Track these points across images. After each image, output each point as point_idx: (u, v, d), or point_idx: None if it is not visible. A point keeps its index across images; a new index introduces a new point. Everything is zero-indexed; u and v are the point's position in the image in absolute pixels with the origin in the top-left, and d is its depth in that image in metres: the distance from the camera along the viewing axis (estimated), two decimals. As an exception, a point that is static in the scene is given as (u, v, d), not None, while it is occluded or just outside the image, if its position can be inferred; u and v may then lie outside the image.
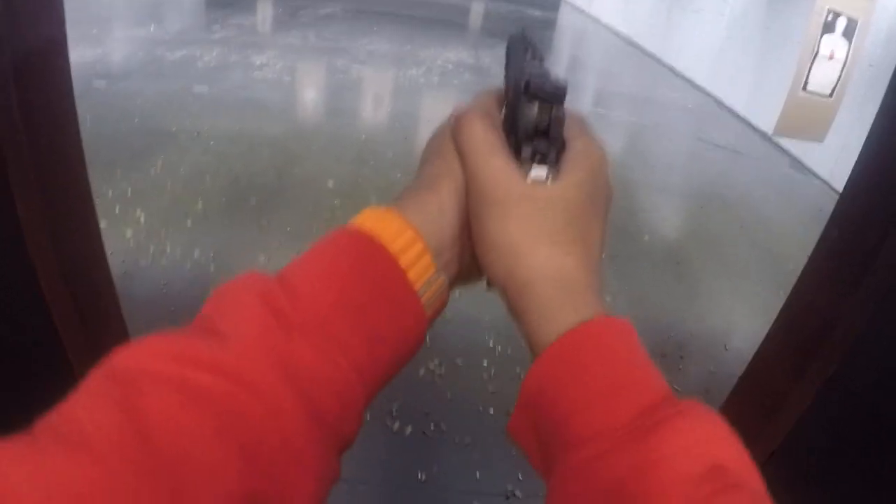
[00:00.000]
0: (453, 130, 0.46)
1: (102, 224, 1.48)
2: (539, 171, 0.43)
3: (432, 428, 2.63)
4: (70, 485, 0.26)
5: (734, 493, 0.33)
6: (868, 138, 1.26)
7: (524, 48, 0.50)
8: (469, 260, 0.46)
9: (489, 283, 0.46)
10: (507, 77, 0.52)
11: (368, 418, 0.43)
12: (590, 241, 0.44)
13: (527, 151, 0.43)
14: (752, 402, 1.51)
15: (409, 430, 2.61)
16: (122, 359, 0.32)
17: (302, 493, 0.34)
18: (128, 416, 0.29)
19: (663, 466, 0.33)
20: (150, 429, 0.29)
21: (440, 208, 0.44)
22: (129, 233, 3.79)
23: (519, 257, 0.42)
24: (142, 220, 3.97)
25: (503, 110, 0.50)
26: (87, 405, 0.30)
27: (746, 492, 0.33)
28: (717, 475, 0.33)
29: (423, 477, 2.42)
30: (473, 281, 0.49)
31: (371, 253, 0.40)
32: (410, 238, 0.41)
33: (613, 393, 0.37)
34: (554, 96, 0.42)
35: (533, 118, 0.42)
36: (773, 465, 1.33)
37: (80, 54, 7.44)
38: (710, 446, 0.35)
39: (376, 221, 0.41)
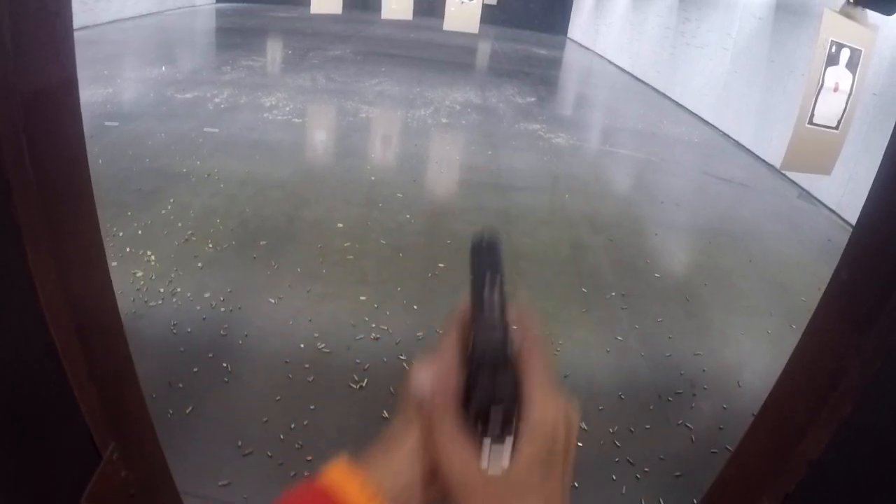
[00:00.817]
0: (417, 409, 0.51)
1: (113, 264, 1.49)
2: (495, 455, 0.46)
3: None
4: None
5: None
6: (875, 180, 1.25)
7: (483, 271, 0.50)
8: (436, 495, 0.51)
9: None
10: (471, 291, 0.51)
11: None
12: None
13: (481, 427, 0.46)
14: (768, 443, 1.48)
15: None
16: None
17: None
18: None
19: None
20: None
21: (400, 464, 0.50)
22: (139, 273, 3.79)
23: None
24: (152, 260, 3.99)
25: (469, 348, 0.50)
26: None
27: None
28: None
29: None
30: None
31: None
32: (370, 495, 0.47)
33: None
34: (501, 366, 0.46)
35: (484, 391, 0.46)
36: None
37: (91, 94, 7.60)
38: None
39: (343, 478, 0.48)
